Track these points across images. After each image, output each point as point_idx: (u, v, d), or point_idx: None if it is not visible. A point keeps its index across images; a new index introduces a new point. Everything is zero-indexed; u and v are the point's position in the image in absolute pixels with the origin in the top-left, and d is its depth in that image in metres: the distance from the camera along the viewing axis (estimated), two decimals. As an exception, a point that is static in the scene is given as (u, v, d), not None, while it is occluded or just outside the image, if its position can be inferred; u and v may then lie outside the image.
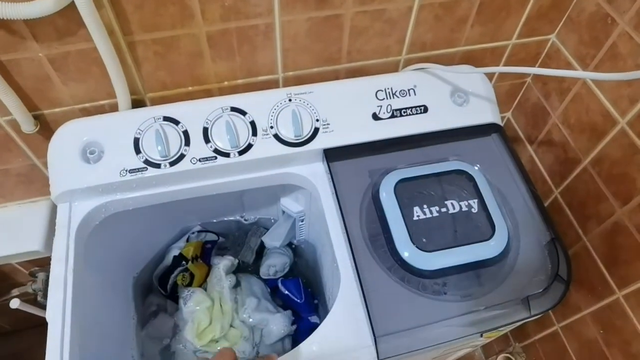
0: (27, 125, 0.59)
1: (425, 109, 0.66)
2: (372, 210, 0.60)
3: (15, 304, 0.82)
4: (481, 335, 0.55)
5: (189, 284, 0.84)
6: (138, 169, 0.59)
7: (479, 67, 0.68)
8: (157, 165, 0.59)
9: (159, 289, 0.84)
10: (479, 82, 0.69)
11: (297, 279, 0.87)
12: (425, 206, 0.58)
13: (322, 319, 0.86)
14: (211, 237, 0.90)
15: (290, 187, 0.78)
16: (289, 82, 0.68)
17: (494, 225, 0.57)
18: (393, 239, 0.56)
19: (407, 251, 0.55)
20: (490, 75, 0.77)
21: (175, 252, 0.85)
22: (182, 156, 0.60)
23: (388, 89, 0.66)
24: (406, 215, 0.57)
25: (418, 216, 0.57)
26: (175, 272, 0.83)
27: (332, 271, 0.71)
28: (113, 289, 0.75)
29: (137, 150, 0.59)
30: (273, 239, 0.85)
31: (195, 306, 0.80)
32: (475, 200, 0.59)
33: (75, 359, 0.53)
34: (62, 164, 0.59)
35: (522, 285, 0.56)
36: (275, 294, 0.89)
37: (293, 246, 0.93)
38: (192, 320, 0.79)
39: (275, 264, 0.88)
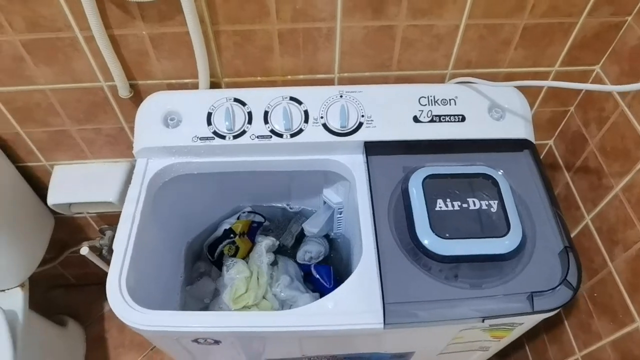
0: (124, 91, 0.73)
1: (463, 119, 0.72)
2: (400, 200, 0.66)
3: (85, 250, 0.96)
4: (483, 321, 0.59)
5: (234, 255, 0.94)
6: (207, 137, 0.70)
7: (527, 94, 0.74)
8: (223, 137, 0.70)
9: (207, 255, 0.94)
10: (517, 100, 0.74)
11: (328, 266, 0.94)
12: (448, 200, 0.64)
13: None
14: (259, 218, 0.99)
15: (332, 178, 0.86)
16: (343, 82, 0.77)
17: (510, 225, 0.62)
18: (414, 224, 0.62)
19: (425, 235, 0.61)
20: (532, 100, 0.82)
21: (226, 226, 0.96)
22: (244, 132, 0.70)
23: (431, 96, 0.73)
24: (429, 204, 0.63)
25: (440, 207, 0.63)
26: (224, 243, 0.94)
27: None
28: (169, 246, 0.87)
29: (209, 123, 0.70)
30: (312, 226, 0.93)
31: (235, 274, 0.89)
32: (496, 202, 0.64)
33: (130, 283, 0.63)
34: (146, 126, 0.71)
35: (530, 283, 0.60)
36: (307, 279, 0.96)
37: (330, 238, 1.01)
38: (230, 286, 0.88)
39: (311, 251, 0.96)
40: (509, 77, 0.78)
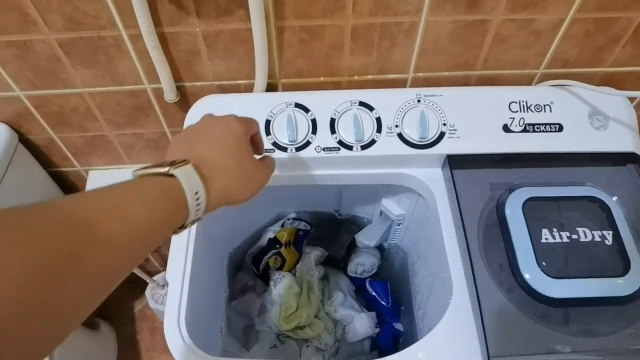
0: (170, 95, 0.63)
1: (560, 128, 0.62)
2: (493, 225, 0.57)
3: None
4: (601, 378, 0.51)
5: (280, 268, 0.86)
6: (266, 149, 0.61)
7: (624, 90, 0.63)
8: (284, 149, 0.61)
9: (252, 267, 0.87)
10: (621, 107, 0.64)
11: (385, 282, 0.86)
12: (555, 230, 0.55)
13: (405, 326, 0.85)
14: (305, 226, 0.91)
15: (394, 189, 0.77)
16: (416, 83, 0.67)
17: (629, 262, 0.53)
18: (517, 258, 0.53)
19: (531, 273, 0.52)
20: (631, 100, 0.71)
21: (270, 235, 0.88)
22: (308, 143, 0.61)
23: (522, 101, 0.63)
24: (533, 235, 0.54)
25: (546, 239, 0.54)
26: (269, 254, 0.86)
27: (434, 280, 0.69)
28: (213, 261, 0.79)
29: (267, 132, 0.61)
30: (367, 238, 0.85)
31: (284, 290, 0.82)
32: (610, 232, 0.55)
33: (188, 319, 0.56)
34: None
35: (656, 332, 0.51)
36: (359, 294, 0.89)
37: (381, 247, 0.92)
38: (280, 304, 0.81)
39: (364, 263, 0.88)
40: (606, 77, 0.68)
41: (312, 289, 0.83)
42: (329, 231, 0.94)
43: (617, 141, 0.63)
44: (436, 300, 0.67)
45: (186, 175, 0.36)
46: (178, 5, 0.53)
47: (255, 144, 0.48)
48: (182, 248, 0.59)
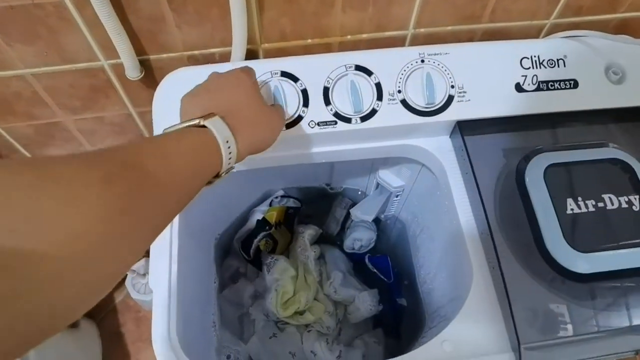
0: (133, 71, 0.54)
1: (576, 84, 0.57)
2: (511, 197, 0.52)
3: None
4: (636, 354, 0.48)
5: (272, 251, 0.80)
6: (253, 128, 0.52)
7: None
8: (274, 126, 0.53)
9: (242, 252, 0.80)
10: (639, 57, 0.59)
11: (385, 256, 0.81)
12: (579, 199, 0.50)
13: (410, 302, 0.81)
14: (294, 203, 0.84)
15: (393, 159, 0.71)
16: (417, 41, 0.59)
17: (659, 228, 0.49)
18: (542, 234, 0.48)
19: (559, 249, 0.48)
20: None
21: (258, 215, 0.81)
22: (299, 118, 0.53)
23: (535, 56, 0.57)
24: (558, 207, 0.49)
25: (572, 210, 0.49)
26: (259, 237, 0.79)
27: (443, 257, 0.65)
28: (198, 250, 0.72)
29: (252, 108, 0.53)
30: (364, 212, 0.79)
31: (279, 275, 0.76)
32: (637, 197, 0.51)
33: (180, 329, 0.50)
34: (168, 116, 0.53)
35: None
36: (358, 270, 0.84)
37: (379, 220, 0.87)
38: (275, 290, 0.75)
39: (361, 238, 0.83)
40: (621, 24, 0.62)
41: (309, 270, 0.78)
42: (321, 207, 0.88)
43: (636, 95, 0.58)
44: (448, 279, 0.63)
45: (216, 126, 0.38)
46: (133, -41, 0.43)
47: None
48: (164, 251, 0.52)
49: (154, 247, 0.53)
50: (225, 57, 0.56)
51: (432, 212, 0.68)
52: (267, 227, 0.80)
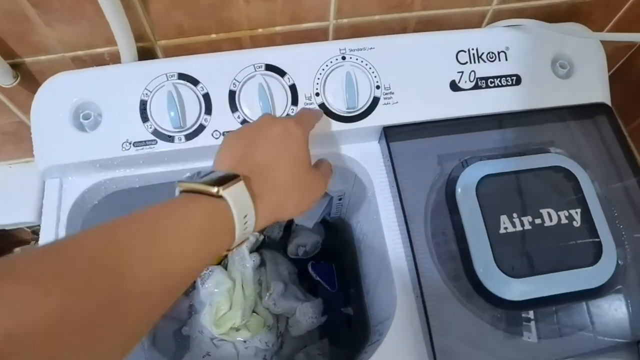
0: (3, 77, 0.46)
1: (518, 80, 0.50)
2: (442, 210, 0.47)
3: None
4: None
5: (207, 261, 0.74)
6: (145, 141, 0.46)
7: (593, 30, 0.51)
8: (170, 138, 0.46)
9: (173, 265, 0.74)
10: (591, 49, 0.53)
11: (330, 264, 0.76)
12: (515, 215, 0.44)
13: (356, 311, 0.76)
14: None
15: (330, 162, 0.65)
16: (341, 33, 0.52)
17: (601, 246, 0.44)
18: (471, 257, 0.43)
19: (489, 274, 0.42)
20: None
21: (191, 223, 0.74)
22: (201, 127, 0.46)
23: (473, 49, 0.50)
24: (490, 226, 0.44)
25: (505, 228, 0.44)
26: (192, 247, 0.73)
27: (379, 272, 0.59)
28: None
29: (144, 118, 0.46)
30: (306, 218, 0.73)
31: (214, 288, 0.70)
32: (578, 210, 0.45)
33: None
34: (50, 131, 0.46)
35: (632, 326, 0.43)
36: (302, 276, 0.79)
37: (325, 221, 0.81)
38: (210, 304, 0.69)
39: (305, 244, 0.77)
40: (570, 11, 0.55)
41: (247, 282, 0.72)
42: (262, 209, 0.82)
43: (585, 90, 0.52)
44: (382, 296, 0.57)
45: (236, 197, 0.32)
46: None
47: None
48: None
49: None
50: (116, 58, 0.48)
51: (369, 221, 0.62)
52: (201, 235, 0.73)
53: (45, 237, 0.47)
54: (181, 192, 0.33)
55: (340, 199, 0.71)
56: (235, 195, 0.32)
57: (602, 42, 0.54)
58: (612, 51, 0.65)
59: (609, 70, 0.69)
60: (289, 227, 0.81)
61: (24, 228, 0.84)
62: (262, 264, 0.77)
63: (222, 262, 0.76)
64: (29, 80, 0.49)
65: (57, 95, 0.46)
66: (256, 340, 0.70)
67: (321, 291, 0.75)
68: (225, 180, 0.32)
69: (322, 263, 0.76)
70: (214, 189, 0.31)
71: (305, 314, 0.71)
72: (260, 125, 0.39)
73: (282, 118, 0.40)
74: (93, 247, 0.26)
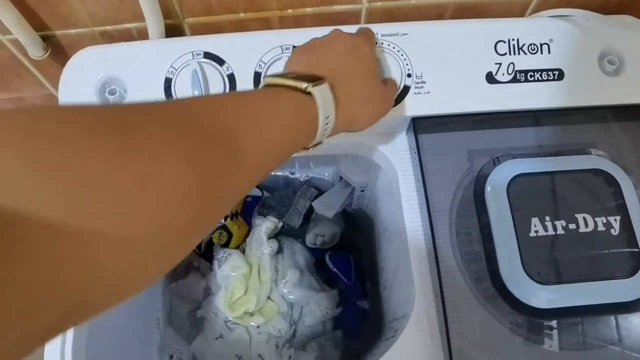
0: (35, 50, 0.46)
1: (561, 75, 0.47)
2: (470, 209, 0.44)
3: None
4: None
5: (226, 244, 0.74)
6: (168, 120, 0.45)
7: (649, 20, 0.47)
8: (193, 119, 0.45)
9: (192, 245, 0.74)
10: (643, 41, 0.49)
11: (348, 256, 0.75)
12: (547, 218, 0.42)
13: (372, 305, 0.75)
14: (255, 191, 0.78)
15: (352, 155, 0.63)
16: (374, 17, 0.50)
17: (639, 257, 0.41)
18: (497, 259, 0.41)
19: (514, 279, 0.40)
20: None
21: (212, 205, 0.74)
22: (224, 109, 0.45)
23: (513, 40, 0.47)
24: (520, 227, 0.41)
25: (536, 231, 0.41)
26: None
27: (397, 267, 0.58)
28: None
29: (168, 95, 0.45)
30: (326, 208, 0.72)
31: (230, 271, 0.70)
32: (617, 218, 0.42)
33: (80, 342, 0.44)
34: (75, 101, 0.46)
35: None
36: (320, 267, 0.78)
37: (347, 212, 0.80)
38: (225, 287, 0.69)
39: (324, 234, 0.76)
40: (625, 1, 0.51)
41: (263, 267, 0.71)
42: (284, 196, 0.81)
43: (635, 90, 0.48)
44: (399, 292, 0.56)
45: (323, 96, 0.33)
46: None
47: None
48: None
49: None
50: (144, 34, 0.47)
51: (391, 215, 0.60)
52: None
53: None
54: (265, 86, 0.34)
55: (362, 191, 0.69)
56: (322, 94, 0.33)
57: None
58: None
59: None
60: (308, 216, 0.80)
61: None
62: (280, 251, 0.76)
63: (240, 247, 0.76)
64: (59, 53, 0.49)
65: (84, 70, 0.46)
66: (269, 327, 0.70)
67: (337, 282, 0.74)
68: (312, 78, 0.33)
69: (340, 254, 0.75)
70: (304, 85, 0.32)
71: (321, 304, 0.70)
72: (331, 39, 0.39)
73: (352, 34, 0.40)
74: (207, 115, 0.27)
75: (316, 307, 0.70)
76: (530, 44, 0.47)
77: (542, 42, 0.47)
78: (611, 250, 0.41)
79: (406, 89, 0.46)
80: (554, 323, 0.41)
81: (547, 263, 0.41)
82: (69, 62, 0.45)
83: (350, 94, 0.36)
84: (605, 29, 0.48)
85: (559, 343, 0.40)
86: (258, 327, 0.70)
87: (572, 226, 0.42)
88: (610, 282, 0.40)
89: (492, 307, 0.41)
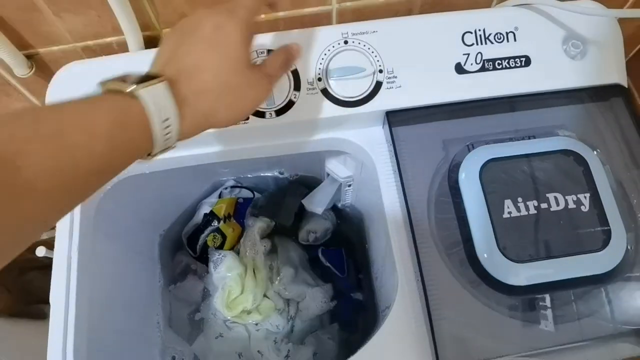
0: (20, 68, 0.48)
1: (527, 61, 0.49)
2: (446, 195, 0.46)
3: (41, 252, 0.77)
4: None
5: (220, 246, 0.76)
6: (152, 129, 0.47)
7: (610, 7, 0.49)
8: (175, 125, 0.47)
9: (188, 249, 0.76)
10: (605, 27, 0.50)
11: (339, 250, 0.76)
12: (519, 199, 0.44)
13: (365, 297, 0.76)
14: (246, 193, 0.79)
15: (336, 151, 0.65)
16: (345, 17, 0.52)
17: (610, 231, 0.43)
18: (473, 240, 0.43)
19: (491, 258, 0.42)
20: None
21: (206, 208, 0.76)
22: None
23: (479, 30, 0.49)
24: (493, 210, 0.43)
25: (509, 213, 0.43)
26: (206, 232, 0.75)
27: (385, 259, 0.59)
28: (135, 252, 0.68)
29: (151, 105, 0.47)
30: (315, 204, 0.73)
31: (226, 272, 0.72)
32: (587, 195, 0.44)
33: (81, 346, 0.46)
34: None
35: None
36: (313, 263, 0.79)
37: (336, 207, 0.82)
38: (222, 288, 0.71)
39: (315, 230, 0.78)
40: (587, -15, 0.53)
41: (258, 267, 0.73)
42: (274, 196, 0.83)
43: (599, 71, 0.50)
44: (388, 281, 0.57)
45: (155, 97, 0.30)
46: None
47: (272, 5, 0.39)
48: (61, 266, 0.48)
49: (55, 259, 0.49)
50: (124, 47, 0.49)
51: (375, 206, 0.62)
52: (214, 222, 0.75)
53: (60, 229, 0.49)
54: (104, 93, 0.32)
55: (349, 185, 0.71)
56: (153, 96, 0.30)
57: (620, 20, 0.52)
58: (633, 31, 0.62)
59: (630, 52, 0.66)
60: (299, 214, 0.82)
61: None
62: (273, 249, 0.78)
63: (234, 248, 0.78)
64: (44, 70, 0.51)
65: (69, 84, 0.47)
66: (267, 324, 0.72)
67: (331, 277, 0.75)
68: (144, 79, 0.31)
69: (332, 249, 0.77)
70: (128, 88, 0.30)
71: (315, 299, 0.72)
72: (195, 19, 0.35)
73: (219, 10, 0.35)
74: None
75: (311, 302, 0.72)
76: (497, 33, 0.49)
77: (508, 31, 0.49)
78: (582, 226, 0.43)
79: (379, 85, 0.48)
80: (532, 299, 0.43)
81: (521, 242, 0.42)
82: (54, 78, 0.47)
83: (206, 87, 0.33)
84: (568, 15, 0.50)
85: (553, 321, 0.42)
86: (256, 324, 0.72)
87: (543, 205, 0.43)
88: (583, 257, 0.42)
89: (472, 287, 0.43)
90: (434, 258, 0.44)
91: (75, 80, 0.47)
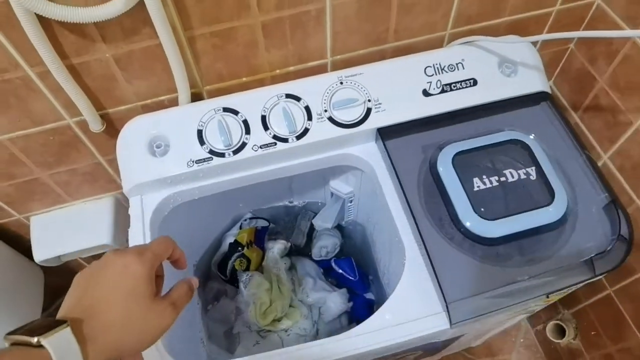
0: (95, 125, 0.62)
1: (475, 82, 0.67)
2: (430, 184, 0.61)
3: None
4: (547, 297, 0.56)
5: (246, 269, 0.88)
6: (204, 159, 0.61)
7: (525, 37, 0.68)
8: (222, 155, 0.62)
9: (219, 274, 0.88)
10: (526, 51, 0.69)
11: (349, 258, 0.89)
12: (484, 177, 0.59)
13: (376, 294, 0.89)
14: (262, 223, 0.93)
15: (339, 169, 0.80)
16: (337, 66, 0.69)
17: (553, 191, 0.58)
18: (455, 210, 0.57)
19: (470, 220, 0.56)
20: (534, 43, 0.76)
21: (230, 239, 0.89)
22: (243, 144, 0.62)
23: (436, 64, 0.67)
24: (466, 186, 0.58)
25: (478, 187, 0.58)
26: (233, 258, 0.87)
27: (390, 246, 0.73)
28: (178, 277, 0.79)
29: (202, 142, 0.62)
30: (324, 221, 0.87)
31: (255, 289, 0.83)
32: (533, 168, 0.60)
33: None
34: (131, 159, 0.62)
35: (585, 247, 0.57)
36: (328, 274, 0.92)
37: (341, 226, 0.95)
38: (254, 302, 0.82)
39: (326, 245, 0.91)
40: (511, 26, 0.72)
41: (282, 281, 0.85)
42: (287, 222, 0.96)
43: (528, 84, 0.68)
44: (395, 264, 0.71)
45: (59, 344, 0.32)
46: (81, 34, 0.52)
47: (176, 262, 0.47)
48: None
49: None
50: (173, 102, 0.65)
51: (377, 209, 0.76)
52: (239, 248, 0.87)
53: (134, 241, 0.61)
54: (11, 344, 0.33)
55: (351, 201, 0.86)
56: (58, 342, 0.32)
57: (541, 47, 0.71)
58: (553, 55, 0.82)
59: (554, 71, 0.86)
60: (309, 234, 0.95)
61: (86, 264, 0.98)
62: (293, 266, 0.91)
63: (258, 269, 0.89)
64: (110, 126, 0.65)
65: (135, 133, 0.62)
66: (296, 328, 0.83)
67: (345, 282, 0.88)
68: (49, 327, 0.32)
69: (343, 258, 0.90)
70: (34, 339, 0.31)
71: (335, 301, 0.84)
72: (103, 261, 0.39)
73: (126, 253, 0.39)
74: None
75: (332, 304, 0.84)
76: (449, 65, 0.67)
77: (457, 62, 0.67)
78: (533, 190, 0.58)
79: (369, 110, 0.64)
80: (507, 247, 0.57)
81: (491, 206, 0.57)
82: (123, 129, 0.62)
83: (111, 323, 0.36)
84: (500, 45, 0.68)
85: (511, 261, 0.56)
86: (286, 330, 0.83)
87: (502, 179, 0.59)
88: (537, 210, 0.57)
89: (461, 246, 0.57)
90: (430, 230, 0.58)
91: (139, 130, 0.62)
